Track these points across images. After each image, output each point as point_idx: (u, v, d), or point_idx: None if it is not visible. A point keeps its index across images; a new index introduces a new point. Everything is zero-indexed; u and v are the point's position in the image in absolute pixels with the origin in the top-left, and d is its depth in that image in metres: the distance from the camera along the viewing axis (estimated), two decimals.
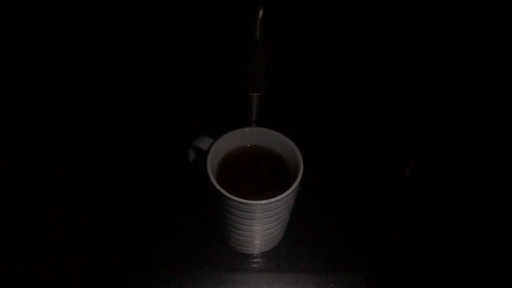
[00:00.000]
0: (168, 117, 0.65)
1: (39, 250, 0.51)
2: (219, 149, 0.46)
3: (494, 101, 0.64)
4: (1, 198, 0.55)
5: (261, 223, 0.44)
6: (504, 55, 0.62)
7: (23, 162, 0.58)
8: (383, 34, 0.67)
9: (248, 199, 0.41)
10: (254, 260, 0.50)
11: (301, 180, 0.42)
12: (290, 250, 0.51)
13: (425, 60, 0.68)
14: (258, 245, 0.49)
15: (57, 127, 0.63)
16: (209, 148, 0.45)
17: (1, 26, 0.62)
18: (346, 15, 0.65)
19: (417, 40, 0.67)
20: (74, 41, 0.67)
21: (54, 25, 0.64)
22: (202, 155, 0.45)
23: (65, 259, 0.50)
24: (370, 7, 0.64)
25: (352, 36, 0.68)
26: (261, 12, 0.54)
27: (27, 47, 0.66)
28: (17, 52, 0.66)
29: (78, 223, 0.53)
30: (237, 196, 0.41)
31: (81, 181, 0.57)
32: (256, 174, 0.47)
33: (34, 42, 0.66)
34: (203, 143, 0.46)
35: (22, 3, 0.61)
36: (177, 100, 0.67)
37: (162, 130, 0.63)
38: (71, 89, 0.67)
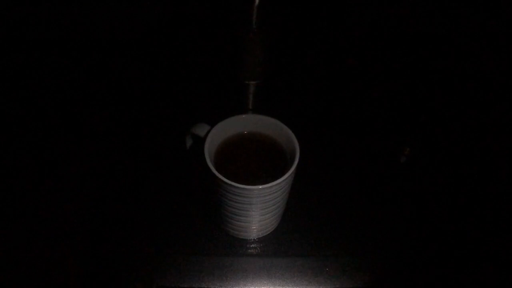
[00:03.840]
0: (166, 105, 0.65)
1: (39, 250, 0.51)
2: (216, 135, 0.46)
3: (489, 91, 0.64)
4: (1, 198, 0.55)
5: (258, 208, 0.44)
6: (500, 48, 0.62)
7: (23, 162, 0.58)
8: (380, 25, 0.68)
9: (245, 184, 0.41)
10: (251, 246, 0.51)
11: (297, 166, 0.43)
12: (286, 235, 0.52)
13: (422, 51, 0.68)
14: (255, 230, 0.50)
15: (54, 122, 0.63)
16: (206, 135, 0.45)
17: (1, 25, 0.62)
18: (344, 4, 0.65)
19: (415, 31, 0.67)
20: (73, 37, 0.67)
21: (54, 22, 0.64)
22: (200, 141, 0.45)
23: (65, 257, 0.51)
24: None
25: (350, 25, 0.68)
26: (257, 0, 0.54)
27: (26, 44, 0.66)
28: (16, 50, 0.66)
29: (77, 214, 0.53)
30: (235, 181, 0.41)
31: (79, 174, 0.57)
32: (253, 160, 0.47)
33: (33, 39, 0.65)
34: (201, 130, 0.46)
35: (22, 2, 0.61)
36: (175, 89, 0.67)
37: (160, 117, 0.63)
38: (70, 84, 0.67)
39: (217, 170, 0.42)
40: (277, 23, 0.59)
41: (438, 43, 0.66)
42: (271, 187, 0.42)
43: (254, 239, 0.51)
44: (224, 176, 0.41)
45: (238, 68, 0.63)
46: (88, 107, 0.64)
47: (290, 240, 0.51)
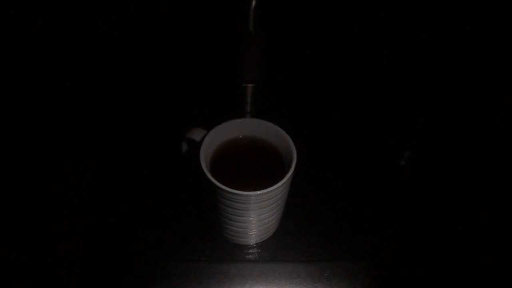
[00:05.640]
0: (162, 109, 0.65)
1: (39, 250, 0.51)
2: (212, 140, 0.46)
3: (489, 93, 0.64)
4: (1, 198, 0.54)
5: (256, 213, 0.44)
6: (498, 50, 0.62)
7: (23, 163, 0.58)
8: (379, 26, 0.67)
9: (242, 190, 0.41)
10: (249, 251, 0.51)
11: (295, 170, 0.43)
12: (284, 241, 0.51)
13: (420, 52, 0.68)
14: (253, 236, 0.49)
15: (54, 126, 0.62)
16: (202, 140, 0.45)
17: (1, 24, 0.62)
18: (342, 5, 0.64)
19: (413, 33, 0.67)
20: (70, 39, 0.66)
21: (52, 23, 0.64)
22: (195, 146, 0.45)
23: (65, 257, 0.50)
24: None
25: (347, 27, 0.68)
26: (254, 2, 0.54)
27: (25, 45, 0.65)
28: (16, 51, 0.65)
29: (77, 220, 0.53)
30: (231, 187, 0.41)
31: (77, 179, 0.57)
32: (250, 165, 0.47)
33: (33, 40, 0.65)
34: (196, 134, 0.46)
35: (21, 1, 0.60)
36: (171, 92, 0.67)
37: (155, 121, 0.63)
38: (67, 86, 0.66)
39: (213, 175, 0.42)
40: (275, 26, 0.58)
41: (437, 46, 0.66)
42: (268, 192, 0.41)
43: (252, 244, 0.51)
44: (220, 182, 0.41)
45: (235, 71, 0.62)
46: (84, 111, 0.64)
47: (288, 245, 0.51)
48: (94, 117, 0.64)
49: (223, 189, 0.41)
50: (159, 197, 0.55)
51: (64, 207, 0.54)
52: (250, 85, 0.62)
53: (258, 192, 0.41)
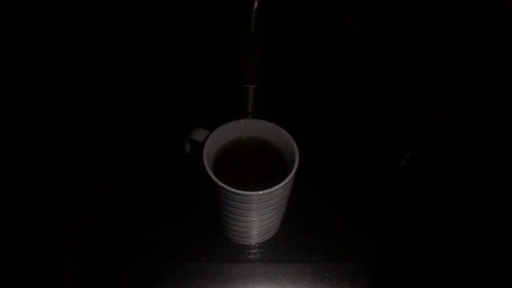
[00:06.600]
0: (165, 110, 0.65)
1: (39, 250, 0.51)
2: (215, 140, 0.46)
3: (489, 93, 0.64)
4: (1, 198, 0.54)
5: (258, 213, 0.44)
6: (498, 50, 0.62)
7: (23, 163, 0.58)
8: (379, 26, 0.67)
9: (244, 190, 0.41)
10: (251, 251, 0.51)
11: (297, 171, 0.43)
12: (286, 241, 0.51)
13: (420, 52, 0.68)
14: (255, 236, 0.49)
15: (54, 126, 0.62)
16: (205, 140, 0.45)
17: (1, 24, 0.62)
18: (342, 5, 0.65)
19: (413, 33, 0.67)
20: (72, 39, 0.66)
21: (52, 23, 0.64)
22: (198, 147, 0.45)
23: (65, 257, 0.50)
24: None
25: (347, 27, 0.68)
26: (256, 3, 0.54)
27: (25, 45, 0.65)
28: (16, 51, 0.65)
29: (77, 220, 0.53)
30: (234, 187, 0.41)
31: (77, 179, 0.57)
32: (252, 165, 0.47)
33: (33, 40, 0.65)
34: (199, 135, 0.46)
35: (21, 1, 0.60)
36: (173, 93, 0.67)
37: (158, 122, 0.63)
38: (69, 86, 0.66)
39: (216, 175, 0.41)
40: (276, 27, 0.58)
41: (437, 46, 0.66)
42: (270, 192, 0.41)
43: (254, 244, 0.51)
44: (223, 182, 0.41)
45: (237, 72, 0.62)
46: (84, 111, 0.64)
47: (290, 245, 0.51)
48: (94, 117, 0.64)
49: (225, 189, 0.41)
50: (159, 197, 0.55)
51: (64, 207, 0.54)
52: (252, 86, 0.62)
53: (261, 192, 0.41)
